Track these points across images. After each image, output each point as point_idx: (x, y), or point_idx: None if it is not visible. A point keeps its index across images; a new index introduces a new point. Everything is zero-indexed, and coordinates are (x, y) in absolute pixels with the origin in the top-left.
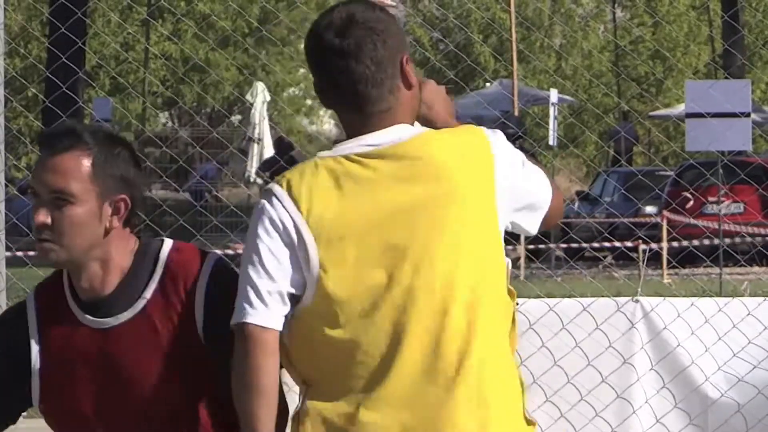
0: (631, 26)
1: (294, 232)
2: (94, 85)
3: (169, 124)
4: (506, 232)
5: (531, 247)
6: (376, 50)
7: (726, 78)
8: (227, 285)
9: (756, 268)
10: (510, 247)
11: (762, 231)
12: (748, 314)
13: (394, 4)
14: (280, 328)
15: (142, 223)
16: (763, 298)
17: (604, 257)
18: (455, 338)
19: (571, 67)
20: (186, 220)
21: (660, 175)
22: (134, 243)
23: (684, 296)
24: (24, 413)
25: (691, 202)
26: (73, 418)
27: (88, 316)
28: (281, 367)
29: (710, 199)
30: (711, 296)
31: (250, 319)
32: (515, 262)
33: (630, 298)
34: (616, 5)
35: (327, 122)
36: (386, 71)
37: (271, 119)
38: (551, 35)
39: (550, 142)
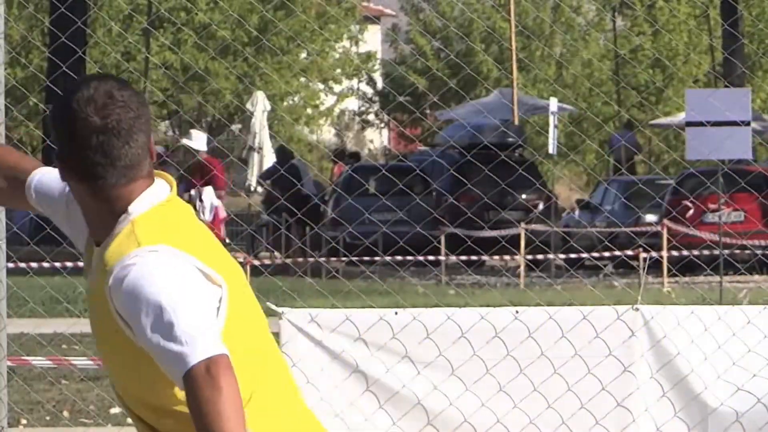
0: (632, 35)
1: None
2: None
3: (170, 133)
4: (507, 240)
5: (530, 256)
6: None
7: (726, 86)
8: None
9: (756, 277)
10: (509, 257)
11: (762, 240)
12: (748, 323)
13: (394, 13)
14: None
15: None
16: (763, 307)
17: (605, 266)
18: None
19: (571, 76)
20: None
21: (660, 184)
22: None
23: (684, 304)
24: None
25: (692, 211)
26: None
27: None
28: None
29: (711, 207)
30: (711, 305)
31: None
32: (515, 271)
33: (630, 306)
34: (616, 14)
35: (327, 131)
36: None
37: (271, 128)
38: (551, 44)
39: (550, 151)
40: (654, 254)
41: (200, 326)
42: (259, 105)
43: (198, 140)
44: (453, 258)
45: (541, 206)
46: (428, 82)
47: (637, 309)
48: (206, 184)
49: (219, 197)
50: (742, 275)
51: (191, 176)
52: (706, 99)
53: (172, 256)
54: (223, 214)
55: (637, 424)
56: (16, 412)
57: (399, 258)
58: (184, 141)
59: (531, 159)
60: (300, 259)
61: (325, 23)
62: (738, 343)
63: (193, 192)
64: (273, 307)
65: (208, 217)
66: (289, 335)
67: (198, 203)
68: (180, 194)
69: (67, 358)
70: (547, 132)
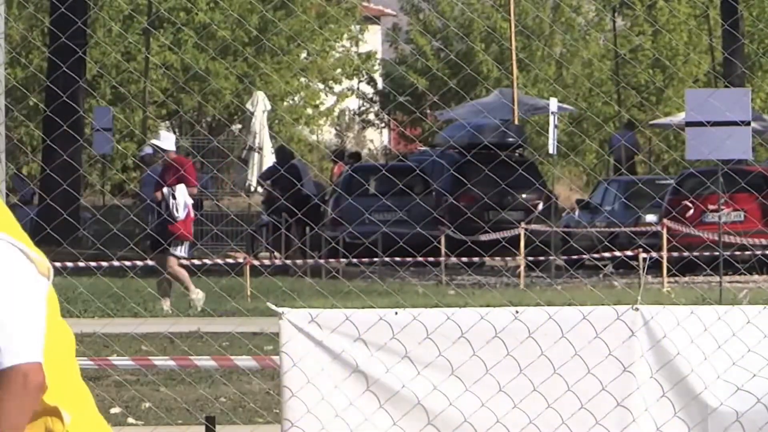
0: (632, 35)
1: None
2: (95, 94)
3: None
4: (507, 240)
5: (530, 256)
6: None
7: (726, 87)
8: None
9: (756, 277)
10: (510, 258)
11: (762, 239)
12: (748, 322)
13: (394, 13)
14: None
15: (144, 232)
16: (763, 307)
17: (605, 266)
18: None
19: (571, 76)
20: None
21: (660, 184)
22: None
23: (684, 304)
24: None
25: (692, 211)
26: None
27: None
28: None
29: (710, 207)
30: (711, 305)
31: None
32: (515, 271)
33: (630, 306)
34: (616, 14)
35: (327, 131)
36: None
37: (271, 128)
38: (551, 44)
39: (550, 151)
40: (654, 254)
41: (29, 327)
42: (259, 105)
43: (166, 140)
44: (453, 258)
45: (541, 206)
46: (428, 82)
47: (637, 309)
48: (179, 182)
49: (191, 195)
50: (742, 275)
51: (163, 175)
52: (706, 99)
53: (9, 244)
54: (192, 213)
55: (637, 424)
56: None
57: (399, 258)
58: (153, 141)
59: (531, 159)
60: (300, 260)
61: (325, 23)
62: (738, 343)
63: (165, 190)
64: (273, 307)
65: (181, 215)
66: (289, 335)
67: (171, 201)
68: (154, 191)
69: None
70: (547, 132)
